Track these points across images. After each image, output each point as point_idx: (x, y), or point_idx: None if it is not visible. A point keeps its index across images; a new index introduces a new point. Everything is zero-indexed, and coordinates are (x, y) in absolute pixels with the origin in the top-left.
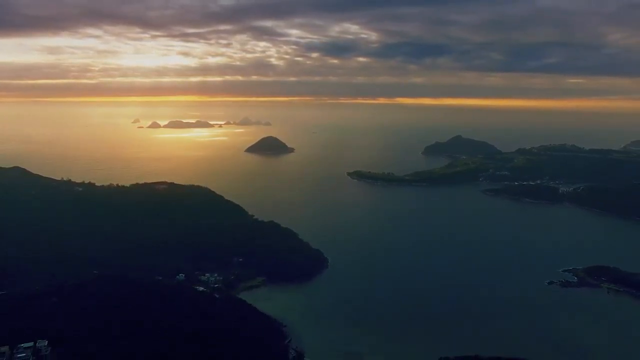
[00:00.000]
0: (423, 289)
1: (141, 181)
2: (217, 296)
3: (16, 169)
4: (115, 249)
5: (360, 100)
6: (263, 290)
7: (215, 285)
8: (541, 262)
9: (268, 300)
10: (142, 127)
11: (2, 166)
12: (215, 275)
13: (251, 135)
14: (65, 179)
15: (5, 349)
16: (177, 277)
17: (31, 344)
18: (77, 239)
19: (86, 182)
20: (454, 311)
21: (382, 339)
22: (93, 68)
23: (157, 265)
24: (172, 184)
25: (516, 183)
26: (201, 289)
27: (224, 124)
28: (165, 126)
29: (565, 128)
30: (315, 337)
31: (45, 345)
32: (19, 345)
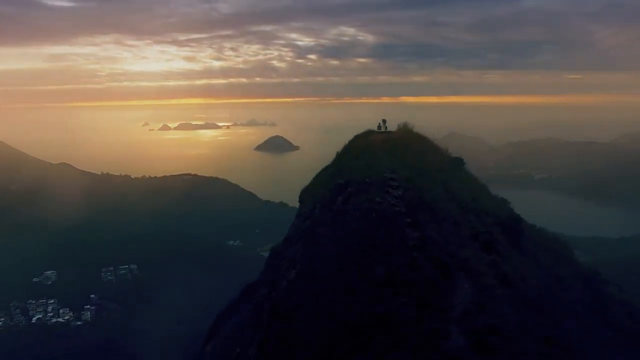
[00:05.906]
0: None
1: (167, 174)
2: None
3: (63, 164)
4: (156, 219)
5: (364, 100)
6: None
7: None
8: None
9: None
10: (153, 129)
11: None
12: (238, 241)
13: (258, 135)
14: (104, 172)
15: (111, 269)
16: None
17: (127, 266)
18: (125, 214)
19: (122, 174)
20: None
21: None
22: (100, 73)
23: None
24: (195, 175)
25: (500, 172)
26: (231, 242)
27: (232, 125)
28: (175, 128)
29: (561, 122)
30: None
31: (135, 268)
32: (119, 267)
